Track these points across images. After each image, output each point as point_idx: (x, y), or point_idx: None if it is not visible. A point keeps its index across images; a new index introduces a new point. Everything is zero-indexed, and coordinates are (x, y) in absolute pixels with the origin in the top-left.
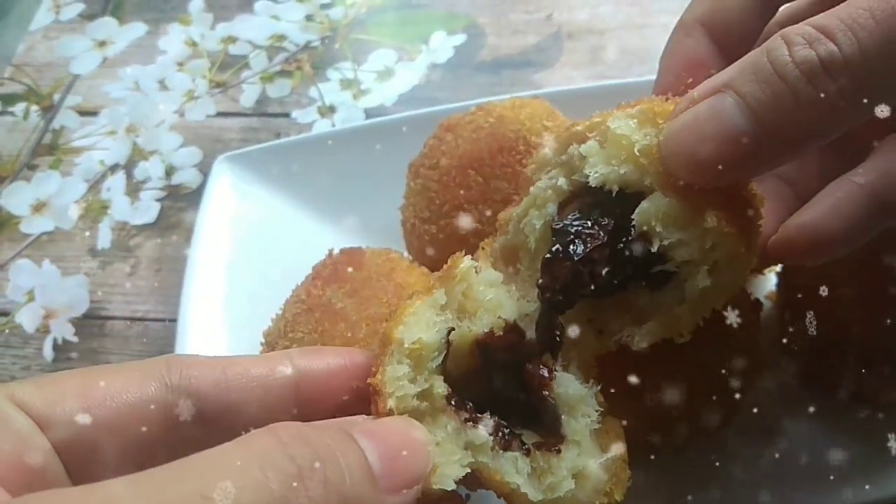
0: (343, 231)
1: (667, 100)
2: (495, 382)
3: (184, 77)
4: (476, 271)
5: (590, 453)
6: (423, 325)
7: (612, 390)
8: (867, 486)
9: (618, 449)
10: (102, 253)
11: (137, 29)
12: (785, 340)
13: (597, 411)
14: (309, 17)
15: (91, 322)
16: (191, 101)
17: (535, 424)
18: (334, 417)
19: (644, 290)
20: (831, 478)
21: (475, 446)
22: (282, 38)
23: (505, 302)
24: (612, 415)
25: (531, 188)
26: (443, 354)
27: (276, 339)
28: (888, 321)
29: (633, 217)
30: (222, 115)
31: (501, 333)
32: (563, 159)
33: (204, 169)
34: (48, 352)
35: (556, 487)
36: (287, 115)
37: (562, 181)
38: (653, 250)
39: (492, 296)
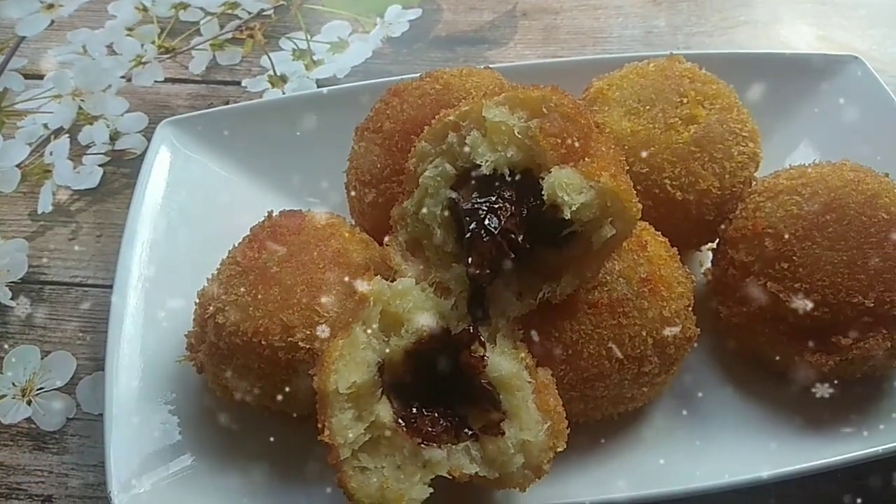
0: (289, 196)
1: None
2: (432, 373)
3: (133, 42)
4: (388, 283)
5: (530, 422)
6: (353, 366)
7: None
8: (793, 457)
9: (553, 405)
10: (43, 217)
11: None
12: (720, 314)
13: (529, 382)
14: None
15: (29, 286)
16: (139, 66)
17: (478, 398)
18: None
19: (552, 249)
20: (758, 447)
21: (433, 463)
22: (234, 5)
23: (425, 306)
24: (541, 366)
25: (420, 179)
26: (379, 384)
27: (209, 301)
28: (817, 296)
29: (541, 190)
30: (170, 81)
31: (428, 339)
32: (444, 148)
33: (149, 135)
34: None
35: (507, 464)
36: (237, 83)
37: (447, 167)
38: (566, 217)
39: (410, 305)
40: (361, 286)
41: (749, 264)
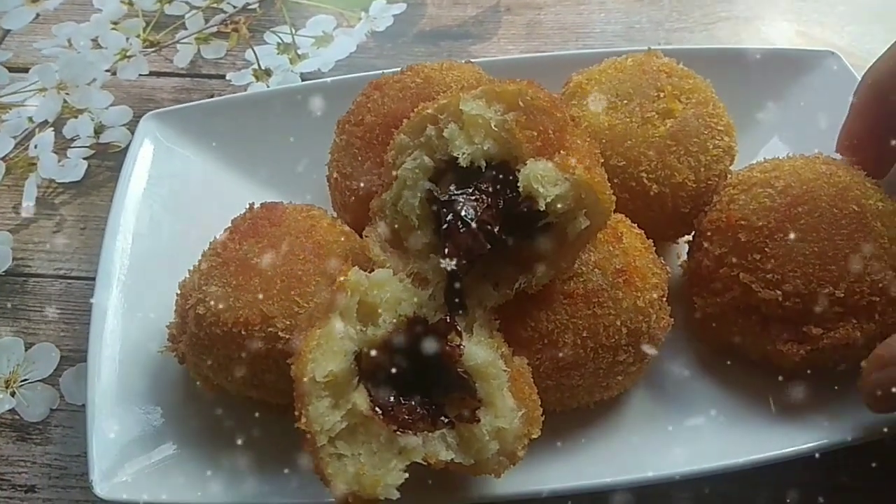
0: (271, 189)
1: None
2: (409, 362)
3: (118, 36)
4: (366, 273)
5: (505, 410)
6: (329, 355)
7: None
8: (767, 444)
9: (528, 393)
10: (27, 210)
11: None
12: (695, 305)
13: (505, 371)
14: None
15: (13, 279)
16: (124, 59)
17: (455, 387)
18: None
19: (527, 241)
20: (733, 434)
21: (408, 450)
22: None
23: (402, 296)
24: (517, 355)
25: (398, 171)
26: (356, 373)
27: (190, 292)
28: (788, 287)
29: (517, 182)
30: (155, 74)
31: (406, 328)
32: (422, 140)
33: (134, 128)
34: None
35: (482, 451)
36: (222, 76)
37: (425, 160)
38: (541, 209)
39: (388, 295)
40: (339, 276)
41: (722, 256)
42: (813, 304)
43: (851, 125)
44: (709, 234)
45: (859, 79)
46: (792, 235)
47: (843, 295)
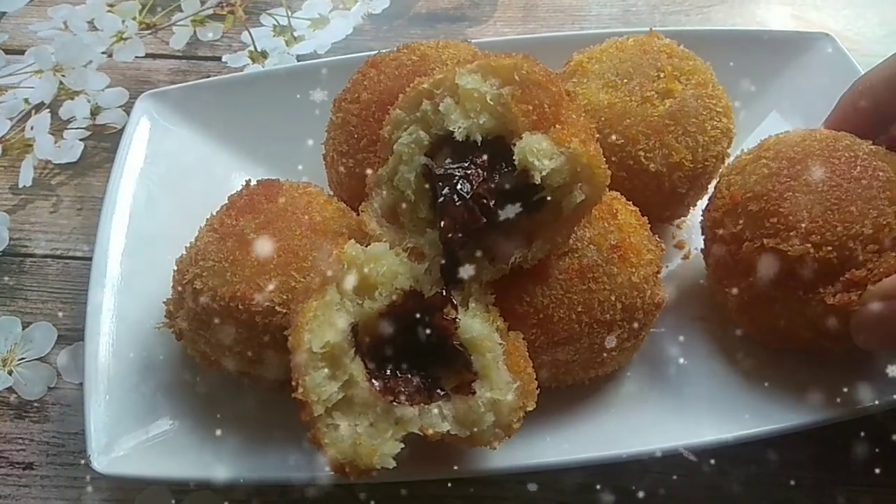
0: (268, 168)
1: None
2: (407, 334)
3: (114, 18)
4: (363, 247)
5: (500, 382)
6: (326, 326)
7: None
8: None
9: (524, 367)
10: (24, 191)
11: None
12: (729, 299)
13: (500, 344)
14: None
15: (10, 259)
16: (120, 42)
17: (451, 361)
18: None
19: (523, 215)
20: (727, 412)
21: (404, 420)
22: None
23: (398, 270)
24: (512, 330)
25: (394, 146)
26: (353, 345)
27: (187, 267)
28: (816, 237)
29: (512, 156)
30: (151, 56)
31: (402, 301)
32: (418, 116)
33: (130, 109)
34: None
35: (478, 422)
36: (218, 58)
37: (421, 135)
38: (536, 183)
39: (384, 269)
40: (336, 250)
41: (740, 233)
42: (846, 248)
43: (835, 123)
44: (718, 222)
45: (854, 61)
46: (801, 190)
47: (871, 231)
